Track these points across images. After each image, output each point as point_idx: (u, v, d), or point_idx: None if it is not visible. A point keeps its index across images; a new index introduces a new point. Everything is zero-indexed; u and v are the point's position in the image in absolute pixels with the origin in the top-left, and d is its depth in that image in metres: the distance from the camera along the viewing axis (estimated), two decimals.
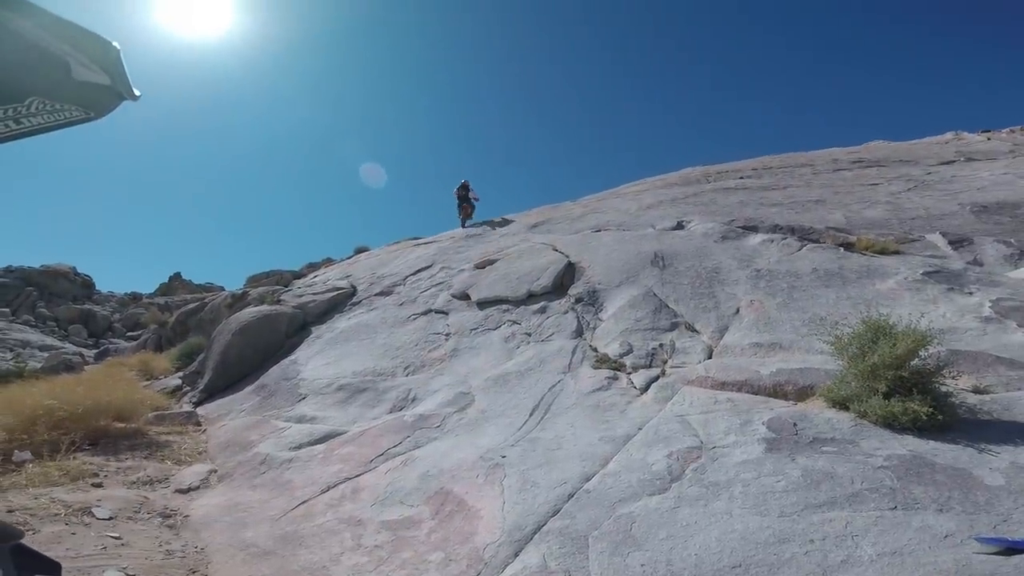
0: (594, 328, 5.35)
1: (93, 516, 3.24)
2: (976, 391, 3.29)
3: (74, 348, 20.17)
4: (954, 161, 10.65)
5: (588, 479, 2.92)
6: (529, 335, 5.55)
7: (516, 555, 2.43)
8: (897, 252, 6.04)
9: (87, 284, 31.47)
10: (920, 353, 3.16)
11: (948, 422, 2.90)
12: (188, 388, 7.58)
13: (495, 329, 5.91)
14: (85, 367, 12.79)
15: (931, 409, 2.86)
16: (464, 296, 6.95)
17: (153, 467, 4.43)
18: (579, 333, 5.33)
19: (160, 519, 3.42)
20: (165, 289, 33.40)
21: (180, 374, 8.41)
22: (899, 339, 3.17)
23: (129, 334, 24.16)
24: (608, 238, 7.68)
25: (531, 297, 6.29)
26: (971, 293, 4.74)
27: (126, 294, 34.02)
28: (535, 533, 2.54)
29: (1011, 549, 1.48)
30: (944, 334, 3.73)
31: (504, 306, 6.32)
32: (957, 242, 6.27)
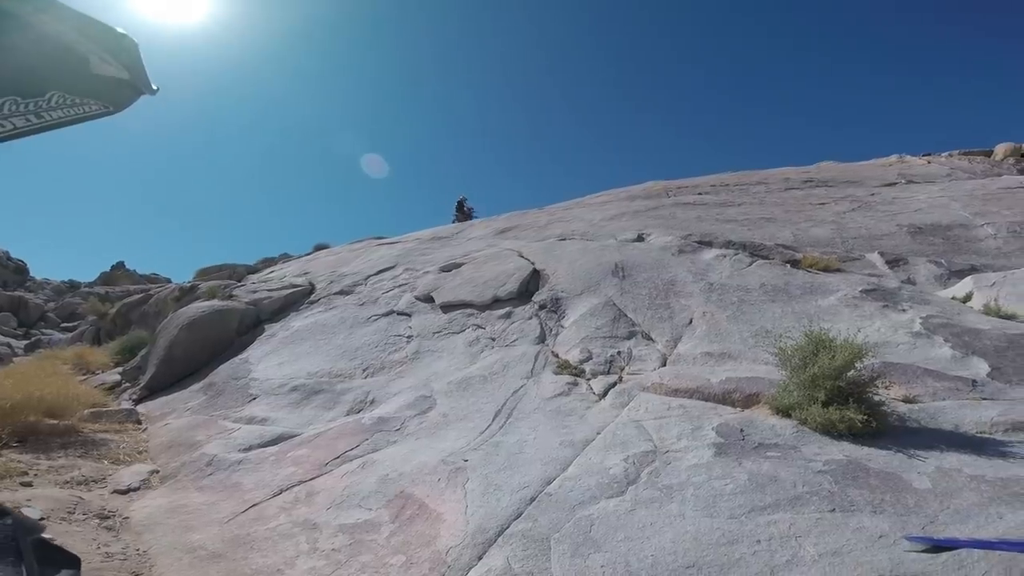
0: (556, 335, 5.43)
1: None
2: (906, 401, 3.56)
3: (2, 338, 18.66)
4: (896, 183, 11.27)
5: (549, 482, 2.97)
6: (493, 340, 5.57)
7: (480, 558, 2.44)
8: (839, 270, 6.42)
9: (20, 269, 29.30)
10: (856, 365, 3.39)
11: (881, 429, 3.12)
12: (129, 384, 7.18)
13: (459, 333, 5.90)
14: (14, 359, 11.91)
15: (866, 417, 3.07)
16: (428, 299, 6.90)
17: (89, 466, 4.17)
18: (542, 339, 5.40)
19: (97, 520, 3.23)
20: (107, 278, 31.43)
21: (120, 369, 7.95)
22: (838, 351, 3.39)
23: (64, 325, 22.61)
24: (572, 247, 7.82)
25: (496, 302, 6.32)
26: (904, 310, 5.11)
27: (63, 282, 31.81)
28: (499, 536, 2.56)
29: (938, 548, 1.62)
30: (879, 347, 4.00)
31: (469, 310, 6.31)
32: (893, 262, 6.72)
